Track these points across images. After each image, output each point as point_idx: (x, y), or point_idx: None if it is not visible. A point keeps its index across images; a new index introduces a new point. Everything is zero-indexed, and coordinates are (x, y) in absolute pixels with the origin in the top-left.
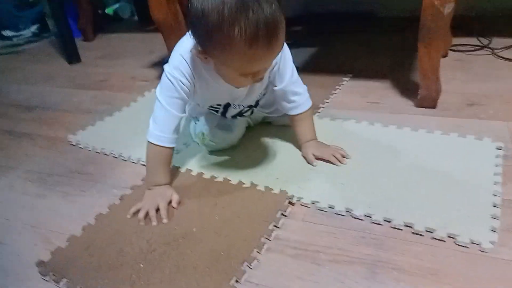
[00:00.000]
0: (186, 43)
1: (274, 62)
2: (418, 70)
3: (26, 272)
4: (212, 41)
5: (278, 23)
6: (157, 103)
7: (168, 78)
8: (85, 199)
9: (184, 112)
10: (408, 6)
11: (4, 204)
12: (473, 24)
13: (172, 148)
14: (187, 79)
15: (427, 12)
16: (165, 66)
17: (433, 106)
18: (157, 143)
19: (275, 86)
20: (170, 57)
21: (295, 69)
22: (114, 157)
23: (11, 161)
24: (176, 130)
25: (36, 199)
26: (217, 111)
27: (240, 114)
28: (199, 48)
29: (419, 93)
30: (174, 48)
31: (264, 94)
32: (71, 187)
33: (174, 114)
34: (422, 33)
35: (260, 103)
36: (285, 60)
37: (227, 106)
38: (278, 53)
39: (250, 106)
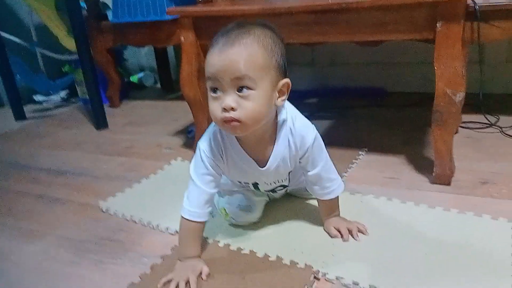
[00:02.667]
0: None
1: (303, 151)
2: (432, 148)
3: None
4: None
5: (241, 38)
6: (190, 180)
7: (200, 155)
8: (117, 267)
9: (217, 187)
10: (417, 82)
11: (39, 272)
12: (480, 102)
13: (204, 222)
14: (217, 157)
15: (439, 99)
16: (199, 143)
17: (447, 183)
18: (189, 218)
19: (308, 171)
20: (204, 134)
21: (328, 157)
22: (143, 225)
23: (44, 227)
24: (208, 203)
25: (69, 266)
26: (248, 187)
27: (274, 190)
28: None
29: (434, 170)
30: (209, 125)
31: (294, 176)
32: (102, 254)
33: (205, 191)
34: (436, 117)
35: (294, 183)
36: (319, 149)
37: (255, 185)
38: (233, 65)
39: (284, 186)
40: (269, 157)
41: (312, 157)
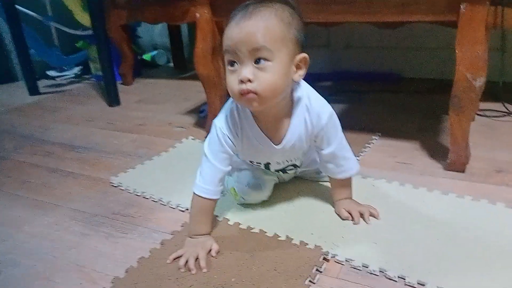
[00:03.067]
0: None
1: (319, 128)
2: (447, 134)
3: None
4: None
5: (259, 11)
6: (204, 157)
7: (216, 133)
8: (127, 241)
9: (229, 165)
10: (435, 68)
11: (52, 242)
12: (500, 91)
13: (216, 200)
14: (233, 134)
15: (459, 84)
16: (215, 120)
17: (462, 170)
18: (201, 195)
19: (322, 150)
20: (220, 112)
21: (344, 136)
22: (153, 201)
23: (56, 199)
24: (221, 181)
25: (81, 238)
26: (259, 166)
27: (284, 170)
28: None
29: (448, 157)
30: (225, 103)
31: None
32: (114, 228)
33: (219, 168)
34: (454, 102)
35: (306, 164)
36: (334, 125)
37: (267, 165)
38: (250, 36)
39: (295, 166)
40: (285, 135)
41: (328, 135)
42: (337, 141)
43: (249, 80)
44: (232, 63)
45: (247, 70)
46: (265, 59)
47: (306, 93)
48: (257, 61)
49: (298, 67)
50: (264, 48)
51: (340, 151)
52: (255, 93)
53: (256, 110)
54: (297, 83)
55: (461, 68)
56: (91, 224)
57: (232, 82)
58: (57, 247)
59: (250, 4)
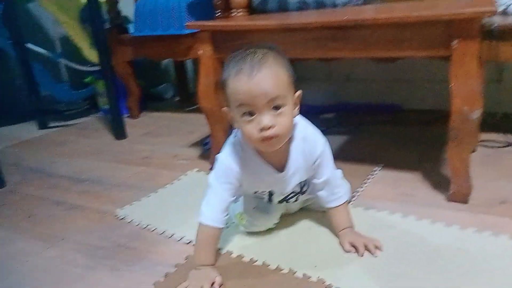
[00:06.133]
0: (238, 133)
1: (315, 157)
2: (448, 165)
3: None
4: (224, 90)
5: (264, 62)
6: (209, 188)
7: (220, 166)
8: (132, 274)
9: (234, 196)
10: (431, 101)
11: (56, 275)
12: (499, 121)
13: (221, 229)
14: (237, 166)
15: (456, 116)
16: (219, 155)
17: (464, 201)
18: (207, 223)
19: (316, 179)
20: (224, 146)
21: (334, 165)
22: (158, 233)
23: (62, 232)
24: (226, 211)
25: (85, 271)
26: (263, 198)
27: (286, 200)
28: (227, 109)
29: (450, 188)
30: (228, 137)
31: (307, 186)
32: (118, 261)
33: (224, 198)
34: (452, 134)
35: (307, 191)
36: (327, 155)
37: (271, 193)
38: (266, 88)
39: (295, 192)
40: (286, 163)
41: (323, 163)
42: (330, 169)
43: (270, 127)
44: (249, 114)
45: (268, 119)
46: (281, 105)
47: (303, 125)
48: (275, 108)
49: (295, 103)
50: (279, 97)
51: (333, 178)
52: (277, 136)
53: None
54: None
55: (457, 101)
56: (96, 257)
57: (252, 130)
58: (62, 281)
59: (245, 55)
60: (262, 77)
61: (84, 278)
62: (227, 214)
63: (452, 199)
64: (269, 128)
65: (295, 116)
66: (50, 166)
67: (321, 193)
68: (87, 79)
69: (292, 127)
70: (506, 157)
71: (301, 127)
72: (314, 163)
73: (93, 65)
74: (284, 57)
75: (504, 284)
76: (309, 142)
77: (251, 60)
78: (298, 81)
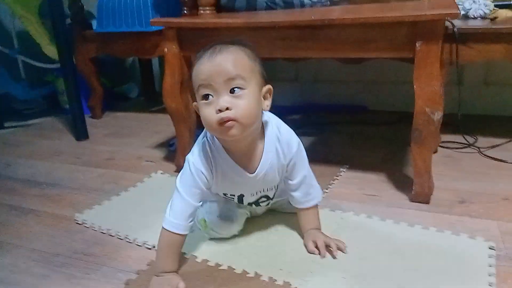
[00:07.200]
0: (207, 133)
1: (290, 157)
2: (411, 166)
3: None
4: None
5: (227, 47)
6: (176, 192)
7: (189, 168)
8: (90, 282)
9: (200, 201)
10: (399, 101)
11: (9, 285)
12: (459, 123)
13: (185, 236)
14: (206, 168)
15: (418, 117)
16: (188, 156)
17: (426, 201)
18: (170, 230)
19: (290, 180)
20: (193, 147)
21: (308, 165)
22: (119, 238)
23: (15, 239)
24: (191, 217)
25: (40, 280)
26: (232, 199)
27: (257, 203)
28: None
29: (413, 188)
30: (198, 138)
31: (277, 188)
32: (76, 268)
33: (190, 203)
34: (415, 135)
35: (276, 195)
36: (302, 155)
37: (240, 197)
38: (224, 67)
39: (267, 197)
40: (258, 164)
41: (297, 163)
42: (305, 170)
43: (227, 108)
44: (206, 96)
45: (224, 100)
46: (240, 88)
47: (276, 124)
48: (232, 90)
49: (265, 97)
50: (238, 76)
51: (308, 179)
52: (234, 119)
53: (233, 139)
54: (266, 114)
55: (420, 102)
56: (52, 265)
57: (209, 113)
58: None
59: (216, 44)
60: (222, 57)
61: None
62: (191, 220)
63: (415, 199)
64: (226, 109)
65: (264, 110)
66: (5, 169)
67: (295, 194)
68: (48, 77)
69: (256, 115)
70: (465, 157)
71: (275, 126)
72: (289, 163)
73: (53, 62)
74: (254, 52)
75: (464, 281)
76: (283, 142)
77: (219, 47)
78: (266, 81)
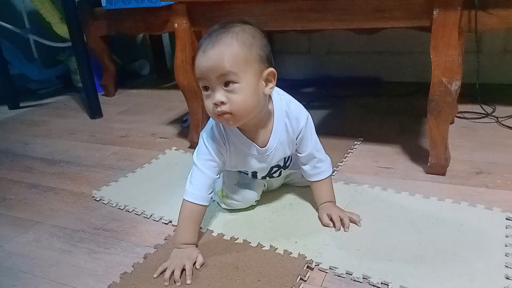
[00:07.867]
0: None
1: (298, 131)
2: (427, 137)
3: None
4: None
5: (220, 38)
6: (193, 166)
7: (204, 143)
8: (110, 256)
9: (218, 174)
10: (414, 72)
11: (31, 260)
12: (477, 92)
13: (205, 207)
14: (220, 143)
15: (435, 88)
16: (202, 132)
17: (442, 173)
18: (192, 201)
19: (299, 153)
20: (207, 123)
21: (318, 139)
22: (136, 214)
23: (37, 216)
24: (211, 188)
25: (61, 255)
26: (246, 174)
27: (270, 174)
28: None
29: (429, 160)
30: None
31: (290, 160)
32: (95, 243)
33: (209, 175)
34: (431, 106)
35: (290, 165)
36: (310, 129)
37: (254, 173)
38: (215, 64)
39: (278, 166)
40: (269, 139)
41: (306, 137)
42: (313, 143)
43: (222, 103)
44: (205, 88)
45: (219, 94)
46: (233, 82)
47: (285, 100)
48: (226, 84)
49: (267, 81)
50: (230, 73)
51: (316, 153)
52: (230, 113)
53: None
54: (275, 91)
55: (437, 72)
56: (73, 240)
57: (209, 105)
58: (38, 265)
59: (213, 31)
60: (213, 53)
61: (61, 262)
62: (211, 192)
63: (430, 171)
64: (221, 103)
65: (267, 94)
66: (23, 148)
67: (305, 167)
68: (60, 57)
69: (253, 105)
70: (483, 127)
71: (284, 101)
72: (297, 137)
73: (64, 40)
74: (254, 33)
75: (481, 252)
76: (292, 117)
77: (214, 36)
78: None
